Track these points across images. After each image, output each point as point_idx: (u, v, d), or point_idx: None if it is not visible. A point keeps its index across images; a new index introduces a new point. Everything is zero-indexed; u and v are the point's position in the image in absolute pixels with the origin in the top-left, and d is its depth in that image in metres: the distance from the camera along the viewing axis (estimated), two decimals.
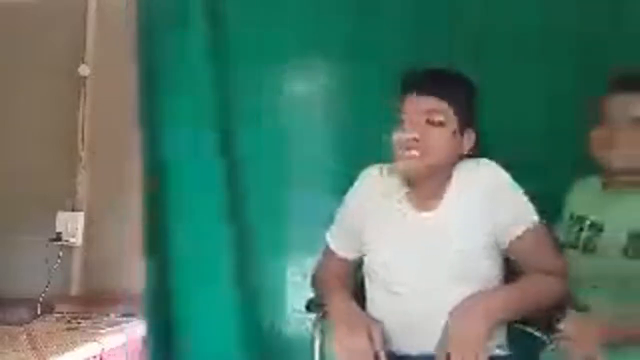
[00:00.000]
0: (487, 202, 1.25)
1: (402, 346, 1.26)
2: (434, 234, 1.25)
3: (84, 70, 2.61)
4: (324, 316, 1.36)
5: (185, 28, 1.70)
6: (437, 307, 1.20)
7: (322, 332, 1.35)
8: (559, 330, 1.19)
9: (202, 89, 1.72)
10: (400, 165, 1.26)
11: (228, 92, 1.72)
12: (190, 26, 1.70)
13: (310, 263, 1.53)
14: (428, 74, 1.30)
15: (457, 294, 1.22)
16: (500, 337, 1.30)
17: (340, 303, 1.27)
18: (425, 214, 1.28)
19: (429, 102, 1.25)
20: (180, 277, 1.75)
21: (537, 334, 1.30)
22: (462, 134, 1.28)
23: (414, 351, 1.24)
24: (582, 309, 1.31)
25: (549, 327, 1.25)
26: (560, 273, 1.29)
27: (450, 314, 1.17)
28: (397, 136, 1.26)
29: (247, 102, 1.72)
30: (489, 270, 1.27)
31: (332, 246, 1.42)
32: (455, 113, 1.25)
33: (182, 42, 1.70)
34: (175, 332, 1.75)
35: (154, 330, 1.79)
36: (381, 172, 1.37)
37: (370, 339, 1.16)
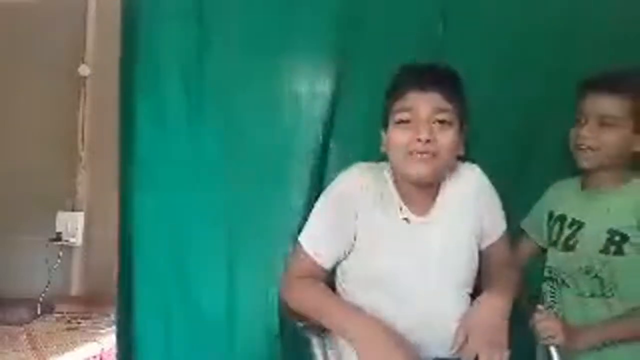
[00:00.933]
0: (476, 206, 1.26)
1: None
2: (432, 237, 1.23)
3: (84, 70, 2.62)
4: (324, 333, 1.24)
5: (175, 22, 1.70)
6: (440, 309, 1.21)
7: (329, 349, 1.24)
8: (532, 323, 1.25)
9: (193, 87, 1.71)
10: (414, 170, 1.17)
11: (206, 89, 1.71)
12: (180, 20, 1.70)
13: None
14: (431, 70, 1.21)
15: (458, 295, 1.23)
16: None
17: (365, 324, 1.12)
18: (423, 218, 1.24)
19: (437, 101, 1.17)
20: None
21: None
22: (460, 134, 1.23)
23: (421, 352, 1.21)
24: (549, 305, 1.42)
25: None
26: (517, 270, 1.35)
27: (469, 317, 1.17)
28: (405, 137, 1.17)
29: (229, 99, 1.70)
30: (475, 268, 1.27)
31: (311, 252, 1.25)
32: (457, 112, 1.20)
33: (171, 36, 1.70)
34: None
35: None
36: (366, 173, 1.27)
37: None
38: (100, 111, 2.63)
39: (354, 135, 1.63)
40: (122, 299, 1.78)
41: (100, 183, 2.64)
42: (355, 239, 1.24)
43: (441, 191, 1.26)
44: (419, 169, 1.17)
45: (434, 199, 1.26)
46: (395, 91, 1.21)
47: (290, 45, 1.67)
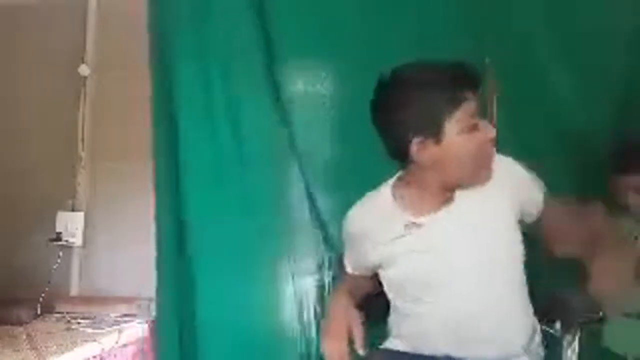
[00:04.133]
0: (510, 193, 1.22)
1: (449, 349, 1.21)
2: (453, 226, 1.21)
3: (84, 70, 2.61)
4: None
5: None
6: (478, 298, 1.19)
7: None
8: None
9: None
10: (485, 172, 1.18)
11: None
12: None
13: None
14: (469, 67, 1.16)
15: (491, 279, 1.20)
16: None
17: (331, 305, 1.30)
18: (439, 213, 1.22)
19: (475, 102, 1.15)
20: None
21: (557, 334, 1.29)
22: None
23: (461, 353, 1.20)
24: None
25: (569, 328, 1.25)
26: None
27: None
28: (475, 142, 1.14)
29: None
30: (515, 248, 1.23)
31: (348, 269, 1.38)
32: None
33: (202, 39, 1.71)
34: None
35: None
36: (365, 208, 1.30)
37: (352, 339, 1.19)
38: (100, 111, 2.62)
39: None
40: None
41: (100, 183, 2.64)
42: (374, 264, 1.29)
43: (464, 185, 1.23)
44: (488, 171, 1.19)
45: (453, 194, 1.23)
46: (451, 102, 1.13)
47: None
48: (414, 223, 1.22)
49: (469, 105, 1.13)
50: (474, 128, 1.14)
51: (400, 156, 1.19)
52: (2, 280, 2.50)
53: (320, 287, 1.72)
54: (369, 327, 1.26)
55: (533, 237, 1.26)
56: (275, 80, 1.73)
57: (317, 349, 1.71)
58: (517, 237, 1.24)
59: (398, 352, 1.28)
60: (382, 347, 1.30)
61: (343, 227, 1.34)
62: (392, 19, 1.68)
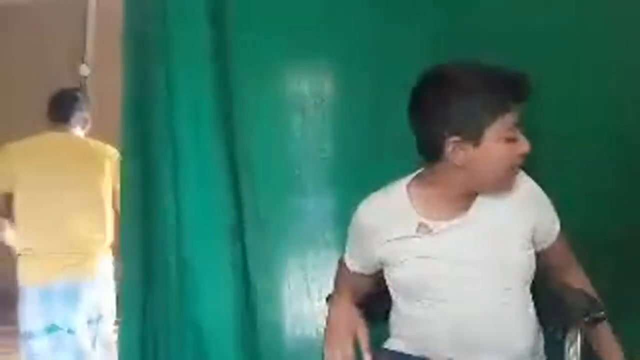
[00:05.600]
0: (525, 212, 1.23)
1: (452, 353, 1.21)
2: (467, 234, 1.20)
3: (84, 70, 2.62)
4: None
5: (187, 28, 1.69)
6: (486, 304, 1.19)
7: None
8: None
9: (203, 90, 1.70)
10: (511, 183, 1.20)
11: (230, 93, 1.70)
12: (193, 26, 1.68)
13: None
14: (524, 80, 1.16)
15: (499, 287, 1.20)
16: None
17: (333, 307, 1.27)
18: (454, 221, 1.21)
19: (519, 113, 1.16)
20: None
21: (558, 335, 1.29)
22: None
23: (464, 358, 1.20)
24: None
25: (566, 326, 1.25)
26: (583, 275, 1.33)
27: None
28: (511, 152, 1.14)
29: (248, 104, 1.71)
30: (524, 260, 1.23)
31: (349, 265, 1.35)
32: None
33: (183, 43, 1.69)
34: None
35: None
36: (379, 202, 1.28)
37: (357, 342, 1.17)
38: (100, 111, 2.63)
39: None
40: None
41: None
42: (379, 260, 1.27)
43: (482, 194, 1.22)
44: (513, 181, 1.21)
45: (471, 201, 1.22)
46: (498, 108, 1.13)
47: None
48: (426, 226, 1.22)
49: (513, 115, 1.14)
50: (512, 139, 1.14)
51: (431, 153, 1.18)
52: (3, 279, 2.50)
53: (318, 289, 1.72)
54: (370, 327, 1.25)
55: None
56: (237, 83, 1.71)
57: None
58: (529, 253, 1.24)
59: (400, 354, 1.27)
60: (382, 347, 1.30)
61: (353, 218, 1.31)
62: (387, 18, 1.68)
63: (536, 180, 1.28)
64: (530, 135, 1.17)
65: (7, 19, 2.75)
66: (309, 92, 1.73)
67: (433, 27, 1.64)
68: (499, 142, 1.13)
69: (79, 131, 2.34)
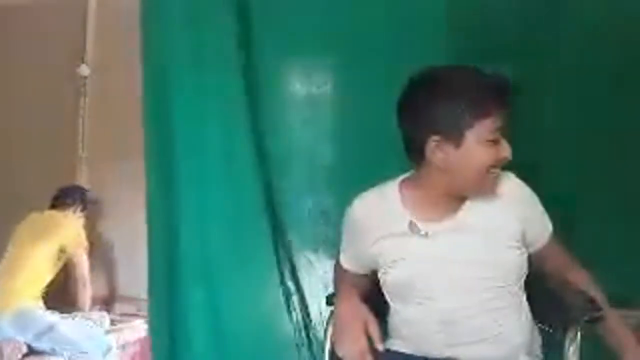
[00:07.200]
0: (514, 213, 1.23)
1: (446, 350, 1.21)
2: (454, 240, 1.20)
3: (84, 70, 2.62)
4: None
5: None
6: (464, 308, 1.19)
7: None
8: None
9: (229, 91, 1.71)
10: (490, 186, 1.20)
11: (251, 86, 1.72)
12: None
13: None
14: (507, 85, 1.17)
15: (490, 286, 1.21)
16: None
17: (340, 304, 1.27)
18: (445, 223, 1.22)
19: (506, 116, 1.16)
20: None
21: (558, 335, 1.29)
22: None
23: (461, 355, 1.20)
24: None
25: (565, 326, 1.25)
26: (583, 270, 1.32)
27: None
28: (491, 155, 1.14)
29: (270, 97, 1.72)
30: (514, 259, 1.23)
31: (344, 264, 1.37)
32: None
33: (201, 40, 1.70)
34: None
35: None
36: (371, 199, 1.29)
37: (369, 337, 1.17)
38: (100, 111, 2.63)
39: None
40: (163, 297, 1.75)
41: (100, 183, 2.65)
42: (372, 258, 1.28)
43: (471, 197, 1.22)
44: (493, 184, 1.20)
45: (460, 204, 1.23)
46: (480, 111, 1.13)
47: None
48: (417, 226, 1.23)
49: (494, 120, 1.14)
50: (494, 142, 1.15)
51: (415, 154, 1.20)
52: None
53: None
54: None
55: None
56: (263, 81, 1.72)
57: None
58: (519, 253, 1.25)
59: (400, 353, 1.27)
60: (384, 347, 1.30)
61: (346, 215, 1.32)
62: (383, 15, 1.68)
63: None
64: None
65: (7, 19, 2.75)
66: (325, 92, 1.74)
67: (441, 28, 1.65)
68: (479, 145, 1.14)
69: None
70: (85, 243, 2.43)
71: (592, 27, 1.63)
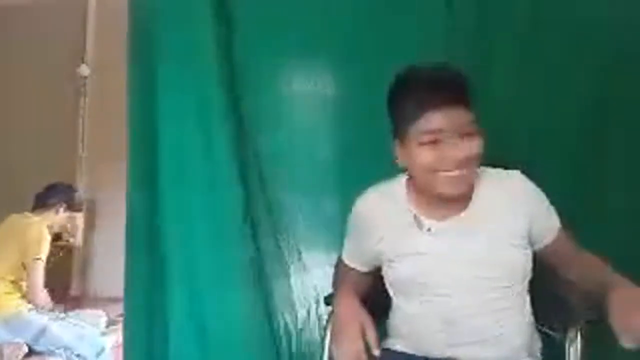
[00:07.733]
0: (521, 210, 1.21)
1: (446, 350, 1.20)
2: (459, 238, 1.20)
3: (84, 70, 2.62)
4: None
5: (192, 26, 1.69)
6: (477, 301, 1.18)
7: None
8: None
9: (209, 89, 1.70)
10: (446, 189, 1.14)
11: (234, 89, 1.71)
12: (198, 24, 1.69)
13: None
14: (447, 83, 1.13)
15: (494, 285, 1.20)
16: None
17: (340, 305, 1.27)
18: (449, 222, 1.20)
19: (461, 116, 1.10)
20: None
21: (558, 335, 1.28)
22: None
23: (462, 355, 1.19)
24: None
25: (565, 326, 1.25)
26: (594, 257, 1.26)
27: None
28: (431, 157, 1.12)
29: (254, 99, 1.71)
30: (519, 258, 1.22)
31: (347, 262, 1.36)
32: (476, 116, 1.14)
33: (188, 40, 1.69)
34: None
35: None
36: (377, 195, 1.27)
37: (365, 339, 1.16)
38: (100, 111, 2.63)
39: None
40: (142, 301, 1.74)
41: (100, 183, 2.65)
42: (376, 254, 1.27)
43: (475, 195, 1.21)
44: (451, 189, 1.15)
45: (464, 203, 1.23)
46: (413, 112, 1.12)
47: None
48: (421, 221, 1.23)
49: (429, 120, 1.10)
50: (435, 142, 1.11)
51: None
52: None
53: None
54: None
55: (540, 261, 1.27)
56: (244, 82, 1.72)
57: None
58: (524, 252, 1.24)
59: (400, 353, 1.27)
60: (382, 347, 1.30)
61: (353, 210, 1.30)
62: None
63: None
64: None
65: (7, 19, 2.75)
66: (313, 91, 1.73)
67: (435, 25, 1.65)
68: (419, 146, 1.12)
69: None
70: (44, 251, 2.34)
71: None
